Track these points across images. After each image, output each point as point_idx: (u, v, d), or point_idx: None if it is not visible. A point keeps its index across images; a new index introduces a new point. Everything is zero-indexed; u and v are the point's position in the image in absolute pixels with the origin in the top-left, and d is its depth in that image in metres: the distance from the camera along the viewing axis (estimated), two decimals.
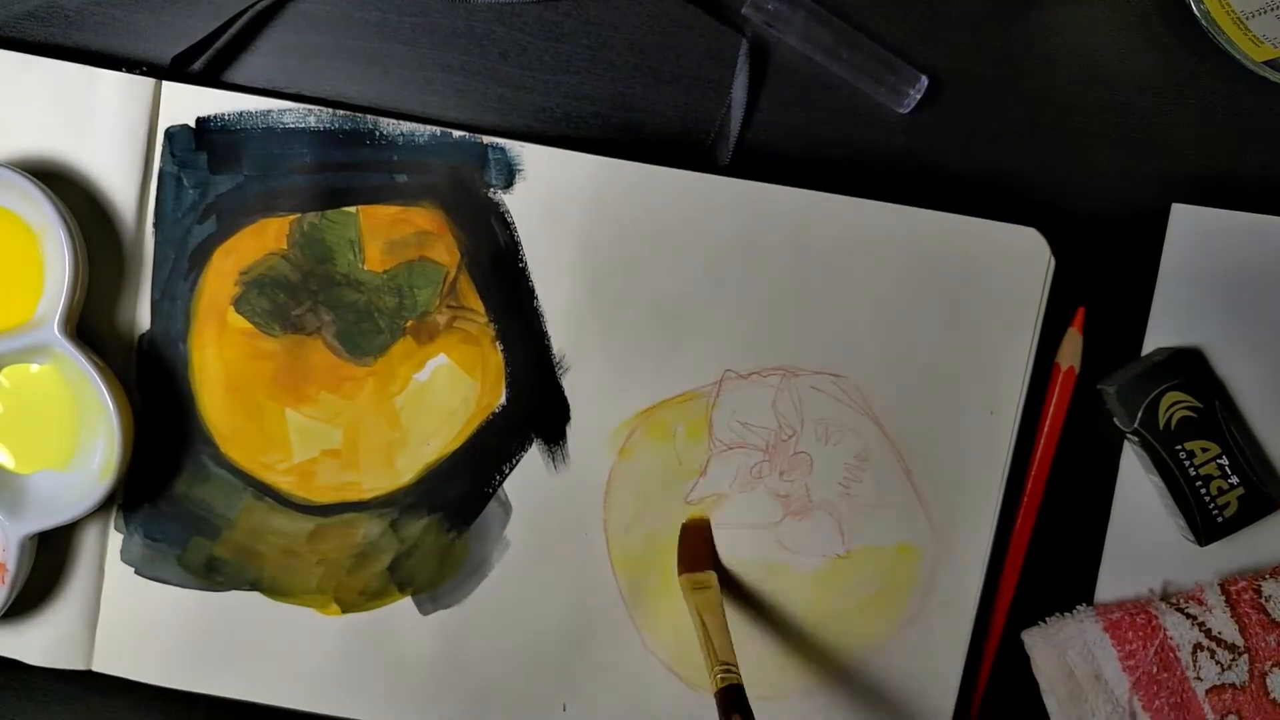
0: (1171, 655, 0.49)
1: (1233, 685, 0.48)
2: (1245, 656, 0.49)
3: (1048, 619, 0.50)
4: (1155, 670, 0.49)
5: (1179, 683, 0.49)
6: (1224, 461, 0.49)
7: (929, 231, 0.49)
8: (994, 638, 0.51)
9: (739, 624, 0.51)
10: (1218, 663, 0.49)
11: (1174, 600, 0.49)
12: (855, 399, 0.50)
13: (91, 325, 0.51)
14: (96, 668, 0.51)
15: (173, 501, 0.51)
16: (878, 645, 0.51)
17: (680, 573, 0.50)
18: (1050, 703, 0.50)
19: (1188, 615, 0.49)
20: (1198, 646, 0.49)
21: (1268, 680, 0.49)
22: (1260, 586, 0.49)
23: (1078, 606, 0.50)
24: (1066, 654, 0.49)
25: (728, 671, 0.46)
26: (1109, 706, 0.49)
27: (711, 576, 0.49)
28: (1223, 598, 0.49)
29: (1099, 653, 0.49)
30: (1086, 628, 0.49)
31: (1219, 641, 0.49)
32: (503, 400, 0.51)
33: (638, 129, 0.52)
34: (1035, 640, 0.50)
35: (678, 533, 0.51)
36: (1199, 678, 0.48)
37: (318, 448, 0.51)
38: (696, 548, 0.51)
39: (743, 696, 0.44)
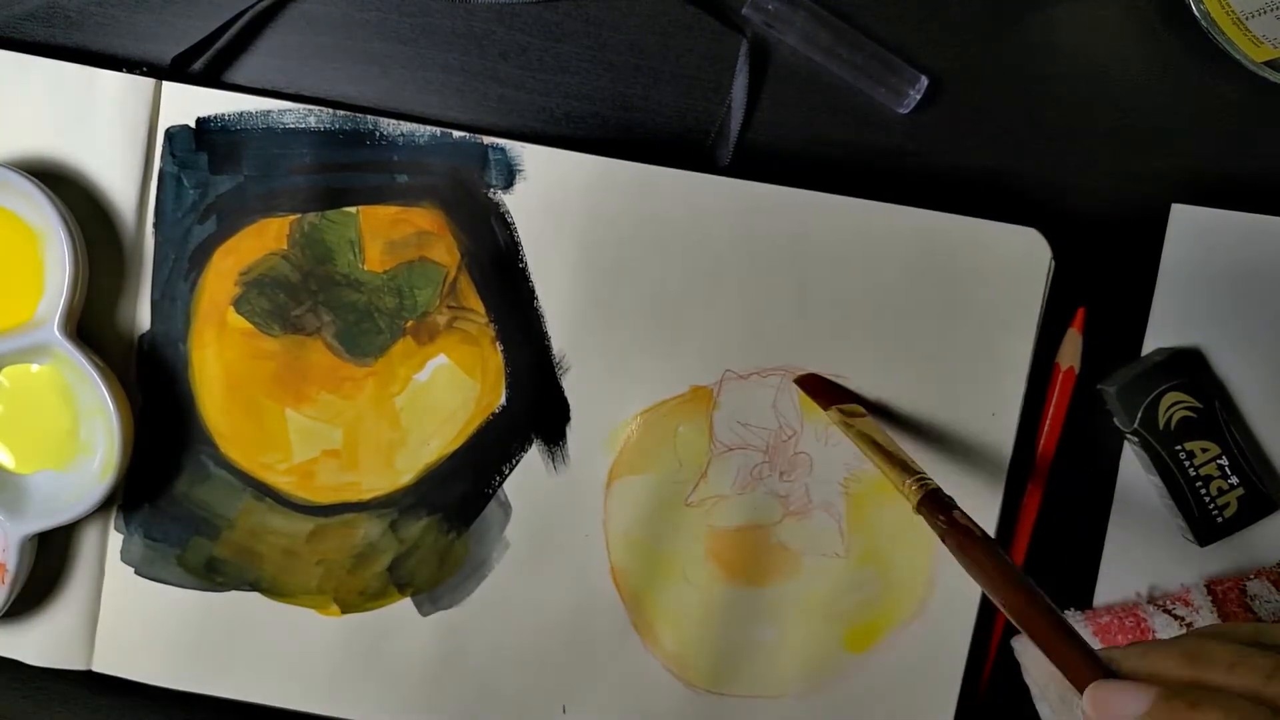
0: None
1: None
2: None
3: None
4: None
5: None
6: (1224, 462, 0.49)
7: (929, 231, 0.49)
8: (995, 638, 0.51)
9: (738, 624, 0.51)
10: None
11: (1161, 601, 0.49)
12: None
13: (91, 325, 0.51)
14: (96, 668, 0.51)
15: (173, 501, 0.51)
16: (878, 645, 0.51)
17: (826, 408, 0.48)
18: (1043, 708, 0.50)
19: (1175, 616, 0.49)
20: None
21: None
22: (1245, 586, 0.49)
23: (1066, 611, 0.50)
24: None
25: (922, 481, 0.43)
26: None
27: (858, 407, 0.48)
28: (1209, 598, 0.49)
29: None
30: None
31: None
32: (503, 401, 0.51)
33: (638, 129, 0.52)
34: (1025, 646, 0.50)
35: (680, 528, 0.50)
36: None
37: (318, 448, 0.51)
38: (827, 388, 0.49)
39: (946, 497, 0.42)
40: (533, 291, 0.50)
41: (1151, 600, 0.50)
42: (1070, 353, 0.51)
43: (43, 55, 0.50)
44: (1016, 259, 0.49)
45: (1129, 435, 0.50)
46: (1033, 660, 0.50)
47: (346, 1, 0.52)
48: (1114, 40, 0.51)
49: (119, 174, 0.50)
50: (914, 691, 0.50)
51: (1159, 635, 0.49)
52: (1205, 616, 0.49)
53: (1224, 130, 0.51)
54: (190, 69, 0.52)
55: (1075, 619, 0.49)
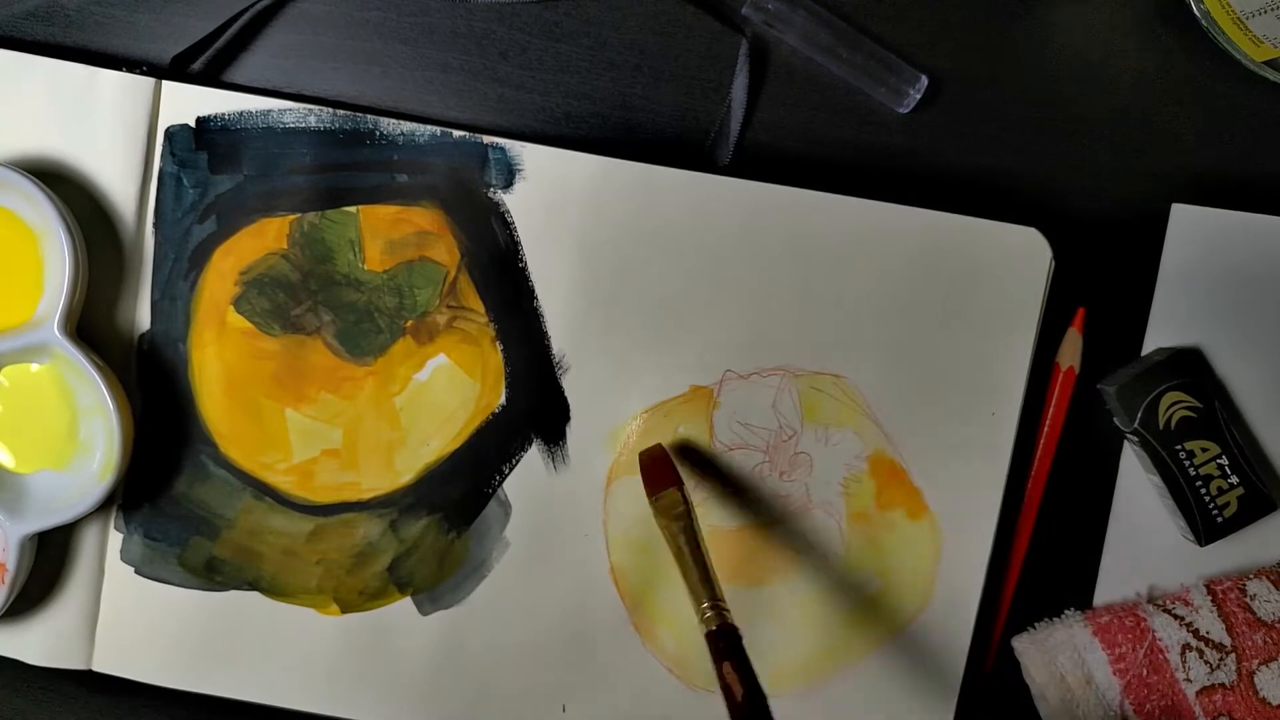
0: (1161, 657, 0.49)
1: (1222, 685, 0.48)
2: (1233, 655, 0.49)
3: (1037, 625, 0.50)
4: (1145, 673, 0.49)
5: (1169, 685, 0.49)
6: (1224, 461, 0.49)
7: (929, 231, 0.49)
8: (995, 638, 0.51)
9: (738, 624, 0.51)
10: (1206, 662, 0.48)
11: (1161, 602, 0.49)
12: (855, 399, 0.50)
13: (91, 325, 0.51)
14: (96, 668, 0.51)
15: (172, 501, 0.51)
16: (878, 645, 0.51)
17: (649, 496, 0.46)
18: (1043, 708, 0.50)
19: (1175, 616, 0.49)
20: (1186, 647, 0.49)
21: (1255, 678, 0.49)
22: (1245, 585, 0.49)
23: (1066, 611, 0.50)
24: (1057, 659, 0.49)
25: (717, 608, 0.39)
26: (1100, 711, 0.49)
27: (676, 495, 0.45)
28: (1209, 598, 0.49)
29: (1089, 657, 0.49)
30: (1076, 632, 0.49)
31: (1207, 641, 0.49)
32: (502, 400, 0.51)
33: (638, 129, 0.52)
34: (1025, 647, 0.50)
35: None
36: (1189, 679, 0.48)
37: (317, 448, 0.51)
38: (657, 470, 0.46)
39: (738, 641, 0.39)
40: (533, 291, 0.50)
41: (1151, 600, 0.50)
42: (1070, 353, 0.51)
43: (43, 54, 0.50)
44: (1016, 259, 0.49)
45: (1129, 435, 0.50)
46: (1032, 661, 0.50)
47: (346, 1, 0.52)
48: (1114, 40, 0.51)
49: (119, 174, 0.50)
50: (914, 691, 0.50)
51: (1159, 635, 0.49)
52: (1205, 616, 0.49)
53: (1224, 130, 0.51)
54: (190, 68, 0.52)
55: (1074, 619, 0.49)
